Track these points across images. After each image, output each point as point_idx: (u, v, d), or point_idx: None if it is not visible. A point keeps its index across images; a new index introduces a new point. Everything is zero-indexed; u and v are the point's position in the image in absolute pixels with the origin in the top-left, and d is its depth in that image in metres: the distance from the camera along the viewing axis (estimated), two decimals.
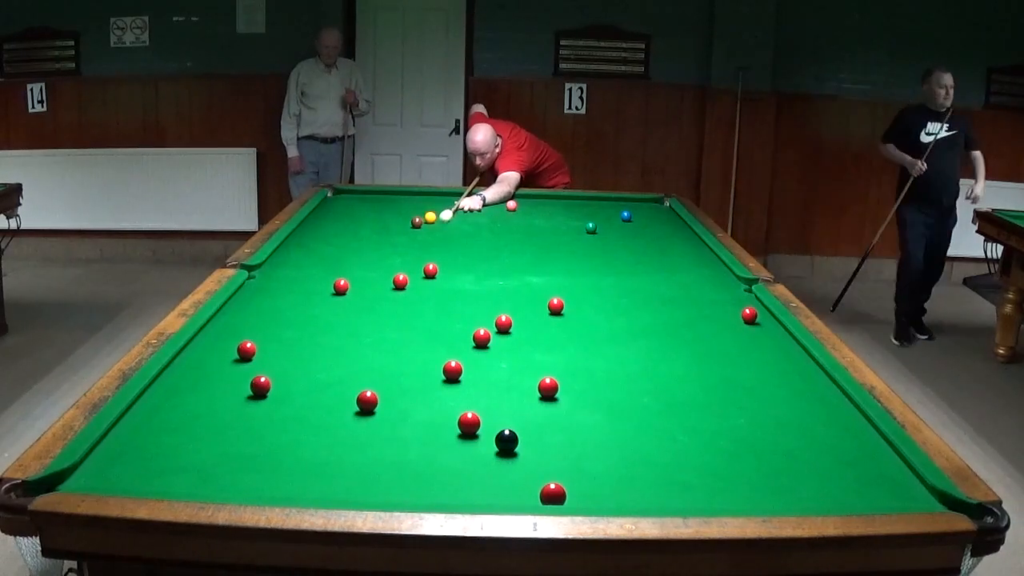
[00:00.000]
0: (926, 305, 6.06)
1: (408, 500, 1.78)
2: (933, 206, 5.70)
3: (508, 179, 4.90)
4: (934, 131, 5.60)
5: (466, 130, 7.04)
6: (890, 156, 5.82)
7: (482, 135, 4.98)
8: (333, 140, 6.65)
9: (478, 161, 5.05)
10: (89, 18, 6.91)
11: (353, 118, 6.70)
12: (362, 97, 6.73)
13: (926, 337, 5.95)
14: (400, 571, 1.70)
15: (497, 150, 5.02)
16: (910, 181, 5.64)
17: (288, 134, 6.63)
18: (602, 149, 7.17)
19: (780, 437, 2.18)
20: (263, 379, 2.32)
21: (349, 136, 6.71)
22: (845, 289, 6.21)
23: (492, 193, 4.78)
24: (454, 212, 4.52)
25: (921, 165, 5.56)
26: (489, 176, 5.09)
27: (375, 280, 3.35)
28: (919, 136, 5.64)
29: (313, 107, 6.59)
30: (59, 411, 2.16)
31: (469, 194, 4.81)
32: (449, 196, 4.81)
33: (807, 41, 7.03)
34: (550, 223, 4.50)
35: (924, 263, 5.79)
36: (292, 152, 6.64)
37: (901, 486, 1.94)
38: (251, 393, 2.30)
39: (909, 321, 5.90)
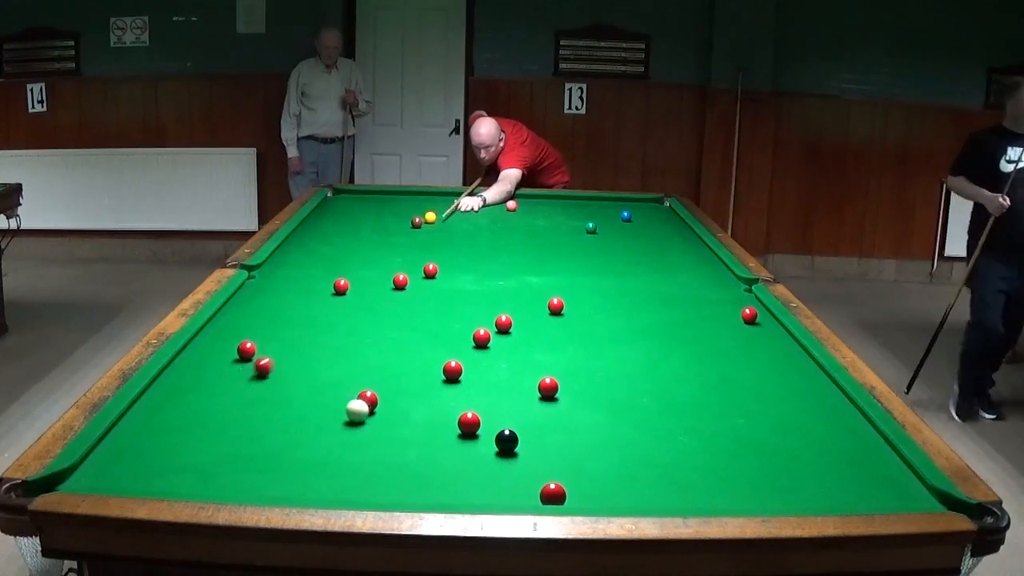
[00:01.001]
0: (995, 375, 4.92)
1: (408, 500, 1.78)
2: (1013, 252, 4.58)
3: (509, 177, 4.90)
4: (1015, 158, 4.51)
5: (467, 129, 7.07)
6: (961, 191, 4.79)
7: (486, 128, 4.99)
8: (332, 140, 6.63)
9: (483, 155, 5.05)
10: (89, 18, 6.91)
11: (353, 118, 6.69)
12: (362, 98, 6.71)
13: (993, 416, 4.81)
14: (400, 571, 1.70)
15: (501, 144, 5.02)
16: (990, 222, 4.54)
17: (288, 134, 6.62)
18: (602, 149, 7.17)
19: (780, 437, 2.18)
20: (264, 361, 2.44)
21: (349, 136, 6.70)
22: (919, 367, 4.95)
23: (493, 193, 4.78)
24: (451, 212, 4.52)
25: (1003, 200, 4.45)
26: (492, 173, 5.10)
27: (375, 280, 3.35)
28: (998, 164, 4.56)
29: (313, 107, 6.57)
30: (59, 411, 2.16)
31: (471, 193, 4.81)
32: (449, 196, 4.81)
33: (807, 41, 7.02)
34: (550, 223, 4.50)
35: (1001, 326, 4.68)
36: (292, 152, 6.63)
37: (901, 486, 1.94)
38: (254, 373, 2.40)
39: (974, 393, 4.83)
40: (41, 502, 1.70)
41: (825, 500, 1.87)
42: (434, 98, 7.25)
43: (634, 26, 7.04)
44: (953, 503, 1.82)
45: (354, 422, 2.15)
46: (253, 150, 7.06)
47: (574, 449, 2.09)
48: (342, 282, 3.22)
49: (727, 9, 6.88)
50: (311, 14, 6.85)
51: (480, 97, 7.01)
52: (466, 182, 7.00)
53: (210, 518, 1.66)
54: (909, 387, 4.95)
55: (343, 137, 6.66)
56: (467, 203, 4.64)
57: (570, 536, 1.67)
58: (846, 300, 6.54)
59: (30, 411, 4.40)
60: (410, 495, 1.83)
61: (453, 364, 2.45)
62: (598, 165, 7.09)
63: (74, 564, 1.79)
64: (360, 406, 2.17)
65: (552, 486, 1.83)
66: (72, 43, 6.95)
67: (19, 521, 1.69)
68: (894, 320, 6.23)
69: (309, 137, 6.61)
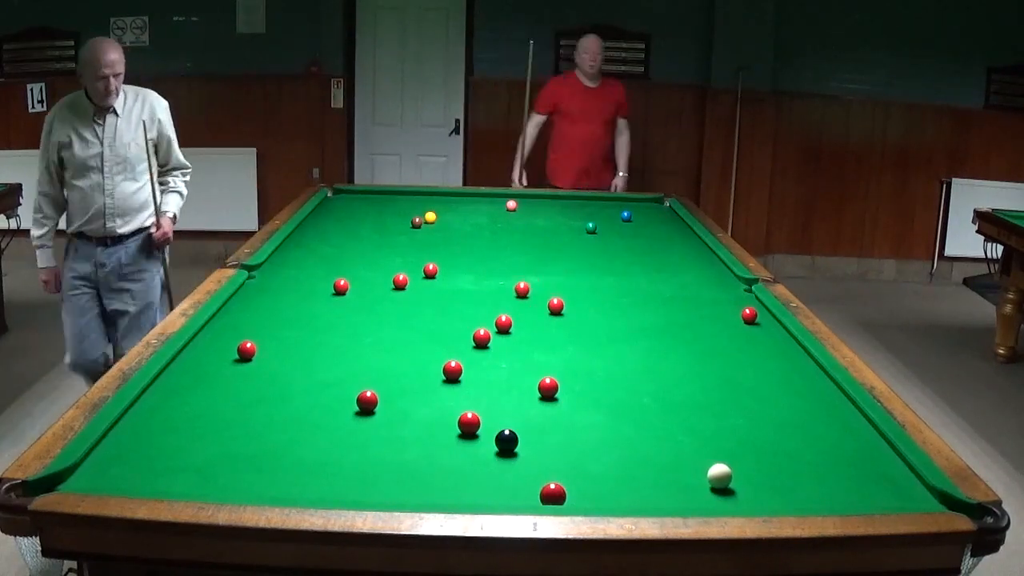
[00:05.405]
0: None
1: (408, 500, 1.78)
2: None
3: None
4: None
5: (466, 127, 7.08)
6: None
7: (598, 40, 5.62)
8: (119, 240, 3.83)
9: (592, 63, 5.59)
10: (89, 18, 6.89)
11: (155, 192, 3.92)
12: (177, 173, 4.19)
13: None
14: (400, 571, 1.70)
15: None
16: None
17: (37, 231, 3.83)
18: None
19: (780, 437, 2.18)
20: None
21: (158, 225, 3.95)
22: None
23: (627, 150, 5.72)
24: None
25: None
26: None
27: (375, 280, 3.35)
28: None
29: (78, 183, 3.74)
30: (59, 411, 2.17)
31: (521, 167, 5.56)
32: (448, 196, 4.81)
33: (807, 41, 7.02)
34: (550, 223, 4.50)
35: None
36: (43, 261, 3.87)
37: (901, 486, 1.94)
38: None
39: None
40: (41, 502, 1.70)
41: (825, 500, 1.87)
42: (434, 98, 7.25)
43: (634, 26, 7.03)
44: (953, 503, 1.82)
45: (717, 488, 1.90)
46: (253, 150, 7.04)
47: (574, 449, 2.10)
48: (342, 282, 3.22)
49: (727, 9, 6.88)
50: (311, 14, 6.85)
51: (480, 97, 7.01)
52: (466, 182, 7.02)
53: (210, 518, 1.66)
54: None
55: (143, 230, 3.90)
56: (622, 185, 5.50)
57: (570, 536, 1.67)
58: (846, 300, 6.54)
59: (30, 411, 4.40)
60: (410, 495, 1.83)
61: (453, 364, 2.45)
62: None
63: (74, 564, 1.79)
64: (720, 470, 1.92)
65: (552, 486, 1.83)
66: (72, 43, 6.93)
67: (19, 521, 1.69)
68: (894, 320, 6.24)
69: (80, 236, 3.82)
